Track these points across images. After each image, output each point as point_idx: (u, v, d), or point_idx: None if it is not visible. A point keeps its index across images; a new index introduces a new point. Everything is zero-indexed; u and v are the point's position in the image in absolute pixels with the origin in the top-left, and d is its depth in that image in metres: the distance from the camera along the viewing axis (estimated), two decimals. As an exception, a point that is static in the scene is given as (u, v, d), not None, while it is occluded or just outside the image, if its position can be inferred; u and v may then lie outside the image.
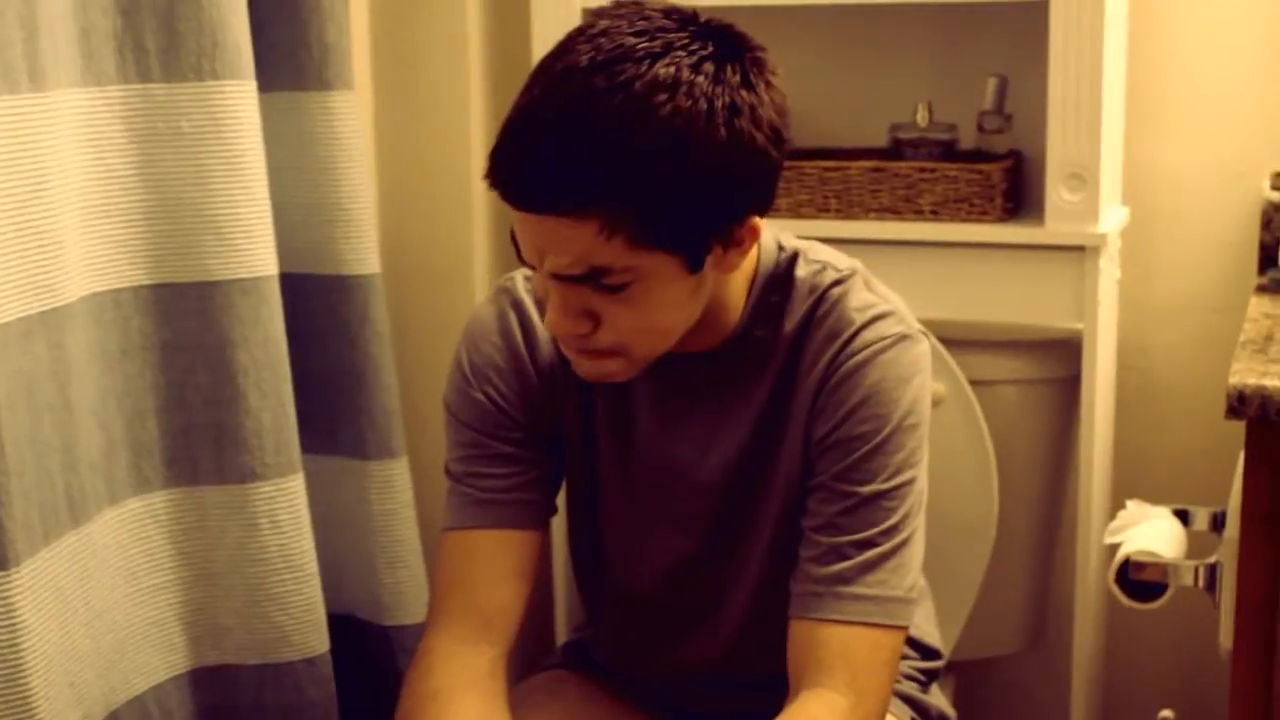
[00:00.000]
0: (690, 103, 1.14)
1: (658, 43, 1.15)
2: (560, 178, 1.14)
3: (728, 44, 1.19)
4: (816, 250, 1.36)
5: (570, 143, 1.13)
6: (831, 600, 1.27)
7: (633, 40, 1.15)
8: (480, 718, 1.29)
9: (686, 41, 1.16)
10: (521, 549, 1.37)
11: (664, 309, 1.22)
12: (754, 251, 1.32)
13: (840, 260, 1.35)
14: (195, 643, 1.53)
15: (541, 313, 1.37)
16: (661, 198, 1.15)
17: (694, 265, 1.21)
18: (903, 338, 1.30)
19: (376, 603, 1.72)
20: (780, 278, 1.33)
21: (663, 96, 1.13)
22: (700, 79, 1.15)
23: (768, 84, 1.20)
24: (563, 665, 1.56)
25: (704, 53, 1.16)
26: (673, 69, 1.14)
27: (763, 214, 1.24)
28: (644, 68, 1.14)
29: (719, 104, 1.15)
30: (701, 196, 1.17)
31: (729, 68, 1.17)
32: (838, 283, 1.33)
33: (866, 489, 1.28)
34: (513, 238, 1.22)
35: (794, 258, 1.34)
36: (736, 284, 1.31)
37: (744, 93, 1.17)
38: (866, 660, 1.26)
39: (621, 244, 1.16)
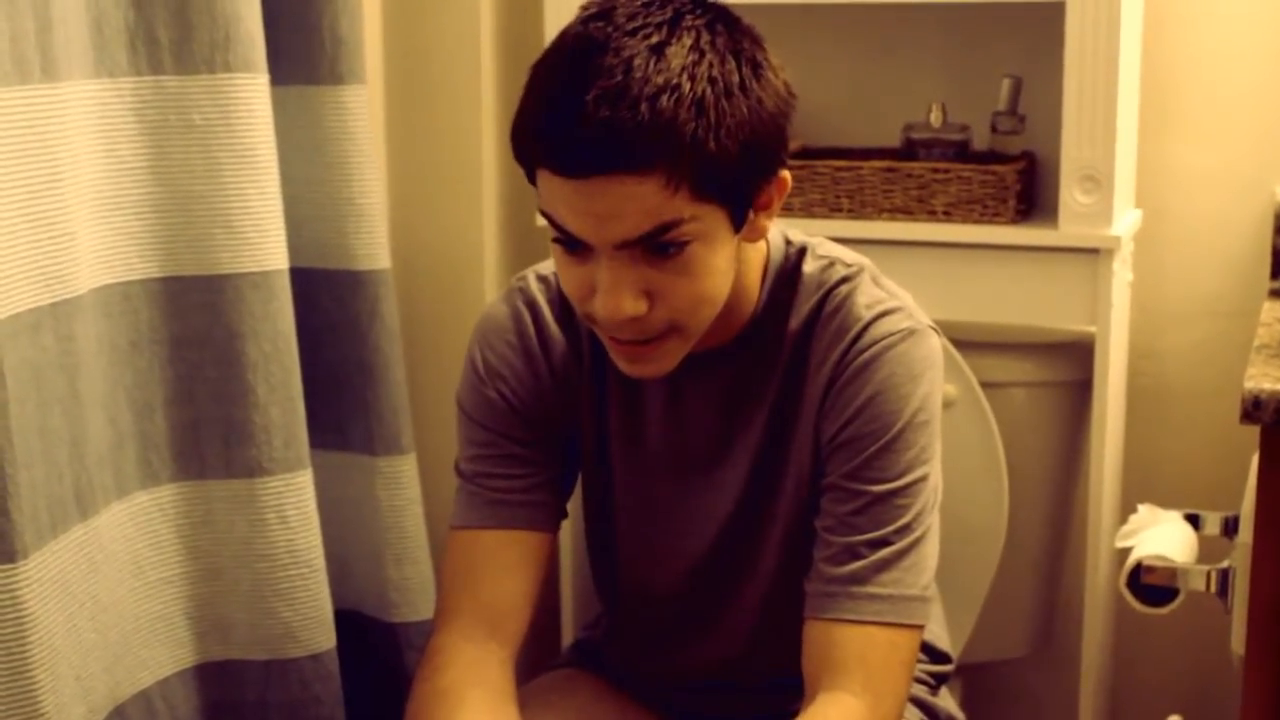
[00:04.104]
0: (729, 47, 1.17)
1: (668, 9, 1.18)
2: (625, 131, 1.12)
3: (725, 17, 1.22)
4: (824, 246, 1.36)
5: (628, 95, 1.12)
6: (846, 600, 1.26)
7: (642, 5, 1.18)
8: (489, 716, 1.29)
9: (691, 7, 1.19)
10: (530, 550, 1.36)
11: (713, 276, 1.21)
12: (764, 246, 1.32)
13: (848, 256, 1.35)
14: (201, 638, 1.53)
15: (557, 314, 1.37)
16: (722, 140, 1.15)
17: (738, 222, 1.21)
18: (911, 333, 1.30)
19: (384, 599, 1.71)
20: (789, 273, 1.33)
21: (706, 39, 1.16)
22: (719, 39, 1.18)
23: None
24: (571, 664, 1.56)
25: (711, 17, 1.20)
26: (698, 23, 1.17)
27: (784, 169, 1.25)
28: (668, 16, 1.17)
29: (749, 48, 1.19)
30: (754, 137, 1.17)
31: (738, 28, 1.21)
32: (845, 279, 1.32)
33: (879, 487, 1.27)
34: (552, 222, 1.20)
35: (802, 253, 1.34)
36: (750, 276, 1.31)
37: (759, 51, 1.21)
38: (883, 661, 1.25)
39: (685, 196, 1.15)
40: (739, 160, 1.16)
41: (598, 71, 1.13)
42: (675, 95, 1.13)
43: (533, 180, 1.22)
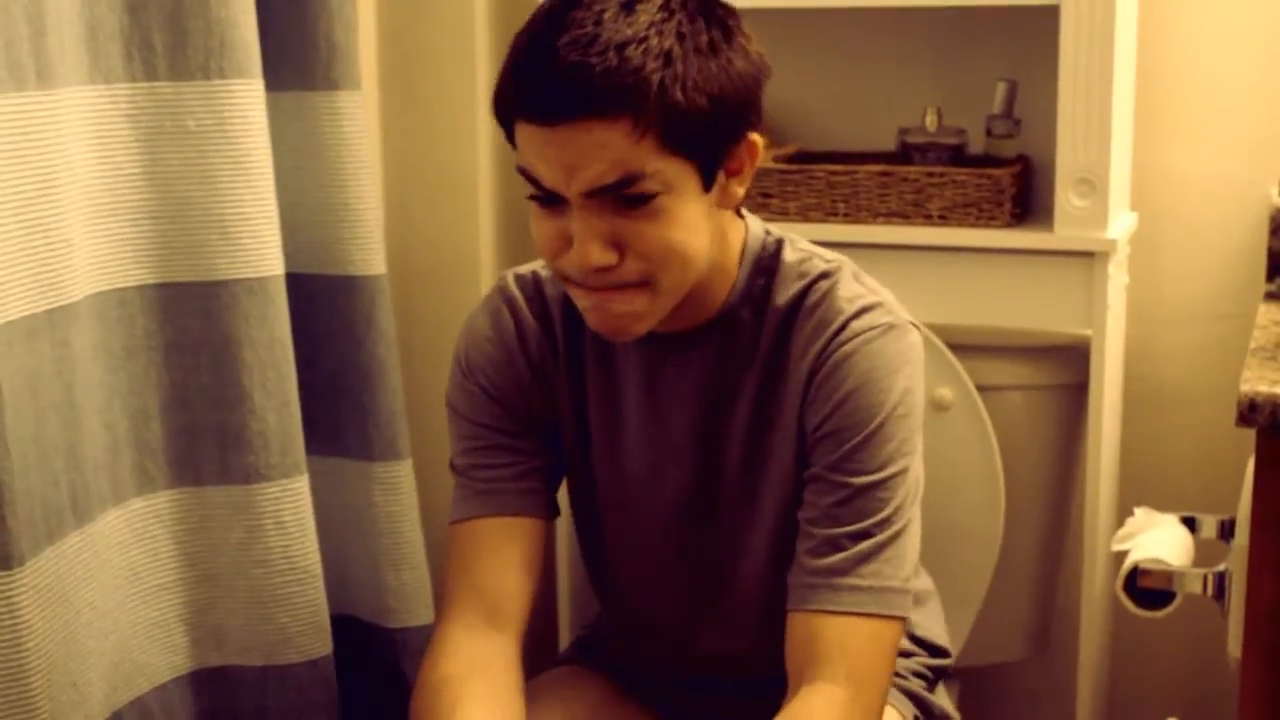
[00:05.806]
0: (699, 10, 1.22)
1: None
2: (594, 76, 1.16)
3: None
4: (802, 241, 1.38)
5: (598, 42, 1.17)
6: (827, 592, 1.27)
7: None
8: (490, 702, 1.30)
9: None
10: (525, 535, 1.38)
11: (686, 230, 1.24)
12: (742, 230, 1.35)
13: (827, 253, 1.38)
14: (198, 644, 1.53)
15: (535, 309, 1.39)
16: (689, 92, 1.18)
17: (708, 182, 1.24)
18: (890, 328, 1.31)
19: (381, 605, 1.71)
20: (768, 260, 1.36)
21: (677, 2, 1.21)
22: (691, 3, 1.23)
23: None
24: (575, 660, 1.56)
25: None
26: None
27: (754, 132, 1.28)
28: None
29: (721, 14, 1.24)
30: (722, 93, 1.21)
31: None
32: (826, 274, 1.34)
33: (859, 480, 1.28)
34: (528, 178, 1.23)
35: (780, 242, 1.37)
36: (728, 257, 1.33)
37: (731, 19, 1.26)
38: (864, 651, 1.26)
39: (650, 146, 1.19)
40: (706, 115, 1.20)
41: (570, 23, 1.18)
42: (643, 46, 1.18)
43: (512, 141, 1.25)
